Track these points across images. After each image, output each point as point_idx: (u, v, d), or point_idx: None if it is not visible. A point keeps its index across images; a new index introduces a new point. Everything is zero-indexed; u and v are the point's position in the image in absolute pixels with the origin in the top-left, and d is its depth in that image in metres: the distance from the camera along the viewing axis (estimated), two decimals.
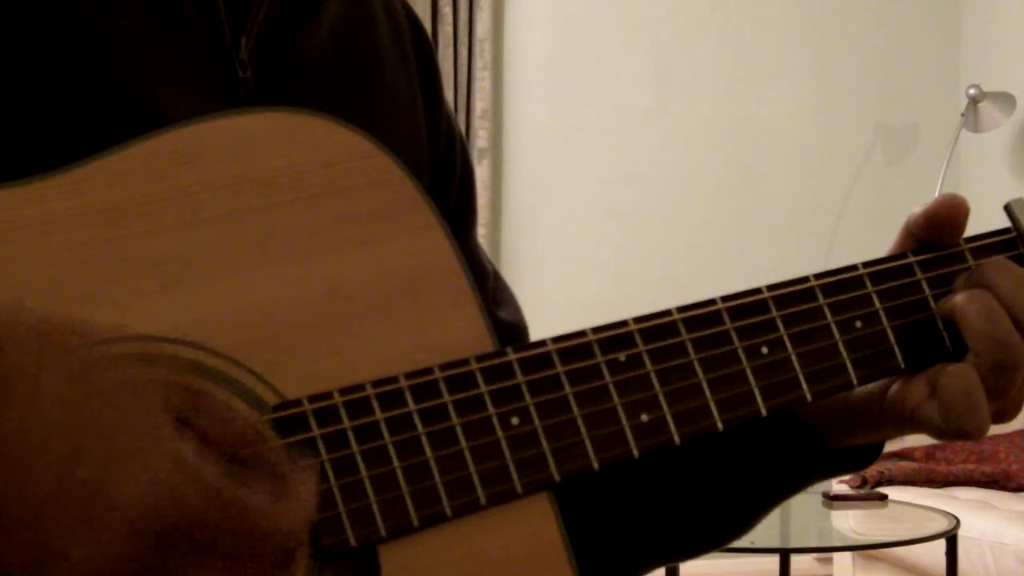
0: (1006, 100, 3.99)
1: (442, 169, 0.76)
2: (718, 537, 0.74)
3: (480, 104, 4.05)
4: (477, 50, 4.07)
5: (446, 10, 4.03)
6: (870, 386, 0.64)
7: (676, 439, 0.58)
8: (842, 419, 0.67)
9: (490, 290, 0.79)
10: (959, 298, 0.62)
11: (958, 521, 2.77)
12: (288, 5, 0.66)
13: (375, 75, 0.72)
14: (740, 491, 0.71)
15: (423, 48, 0.77)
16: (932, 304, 0.64)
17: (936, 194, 4.16)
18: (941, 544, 2.74)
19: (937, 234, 0.65)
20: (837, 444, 0.68)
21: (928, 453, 3.55)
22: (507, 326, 0.78)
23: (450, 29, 4.03)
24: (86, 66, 0.58)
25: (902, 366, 0.63)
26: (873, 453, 0.69)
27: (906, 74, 4.45)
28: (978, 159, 4.33)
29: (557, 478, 0.56)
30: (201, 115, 0.55)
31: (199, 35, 0.62)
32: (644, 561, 0.75)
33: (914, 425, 0.62)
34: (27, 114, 0.56)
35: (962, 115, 4.04)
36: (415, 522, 0.53)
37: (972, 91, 4.02)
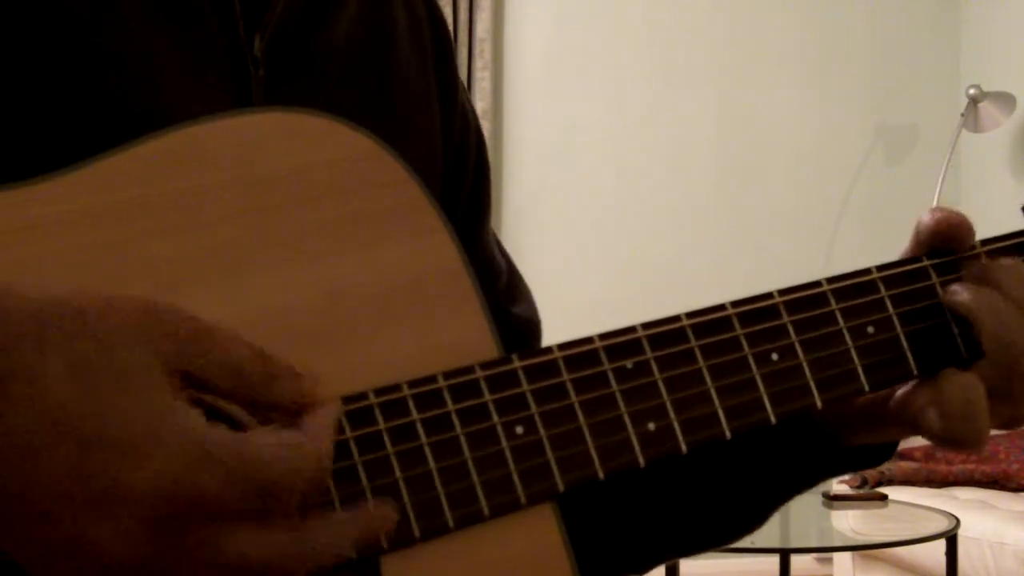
0: (1006, 100, 3.99)
1: (455, 160, 0.75)
2: (726, 535, 0.73)
3: (480, 104, 4.04)
4: (477, 50, 4.06)
5: (446, 10, 4.02)
6: None
7: (683, 448, 0.57)
8: (847, 419, 0.66)
9: (504, 285, 0.78)
10: (967, 296, 0.61)
11: (958, 521, 2.77)
12: (308, 1, 0.65)
13: (391, 71, 0.71)
14: (749, 489, 0.71)
15: (439, 37, 0.76)
16: (941, 296, 0.63)
17: (936, 194, 4.15)
18: (941, 544, 2.73)
19: (944, 246, 0.64)
20: (844, 443, 0.67)
21: (928, 453, 3.55)
22: (521, 322, 0.77)
23: (450, 29, 4.02)
24: (93, 66, 0.57)
25: (915, 372, 0.62)
26: (885, 452, 0.68)
27: (906, 74, 4.44)
28: (978, 159, 4.32)
29: (561, 488, 0.55)
30: (206, 115, 0.54)
31: (212, 33, 0.62)
32: (651, 557, 0.75)
33: (915, 430, 0.62)
34: (33, 114, 0.56)
35: (962, 115, 4.04)
36: (417, 533, 0.52)
37: (972, 91, 4.02)
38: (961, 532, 2.77)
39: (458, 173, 0.75)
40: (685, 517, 0.72)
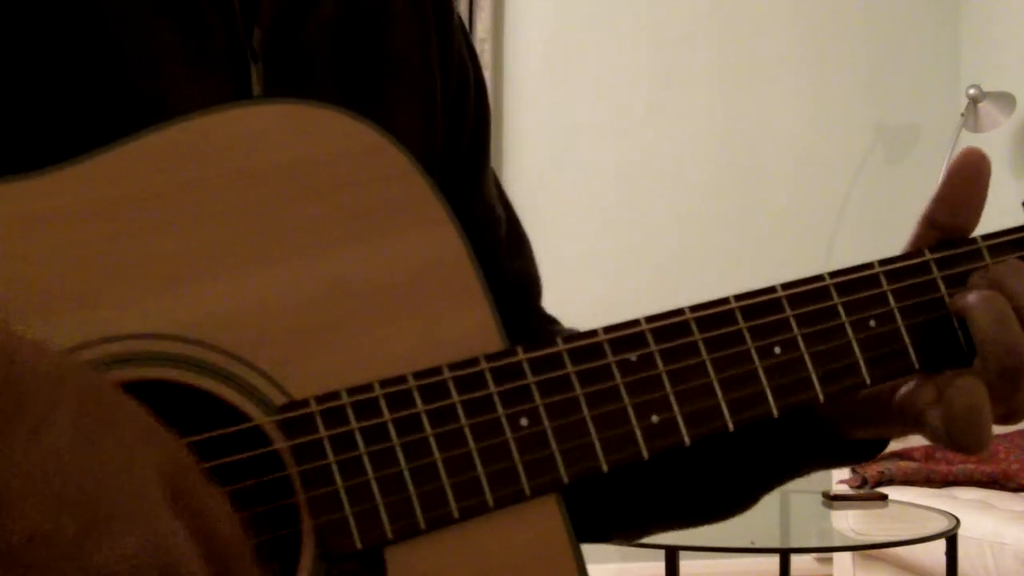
0: (1006, 100, 3.99)
1: (454, 108, 0.75)
2: (709, 514, 0.74)
3: None
4: (477, 50, 4.05)
5: None
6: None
7: (686, 440, 0.57)
8: (848, 413, 0.66)
9: (503, 236, 0.78)
10: (971, 298, 0.61)
11: (958, 521, 2.76)
12: None
13: (384, 47, 0.70)
14: (740, 473, 0.71)
15: (441, 4, 0.76)
16: (948, 303, 0.63)
17: None
18: (941, 544, 2.73)
19: (965, 186, 0.64)
20: (843, 436, 0.68)
21: (928, 453, 3.55)
22: (519, 278, 0.77)
23: None
24: (94, 59, 0.57)
25: (916, 366, 0.62)
26: (878, 446, 0.69)
27: (906, 74, 4.45)
28: None
29: (566, 480, 0.55)
30: (209, 107, 0.54)
31: (211, 26, 0.62)
32: (632, 527, 0.76)
33: (918, 428, 0.62)
34: (35, 108, 0.56)
35: (962, 115, 4.04)
36: (422, 524, 0.52)
37: (972, 91, 4.02)
38: (961, 532, 2.76)
39: (456, 122, 0.75)
40: (675, 496, 0.73)
